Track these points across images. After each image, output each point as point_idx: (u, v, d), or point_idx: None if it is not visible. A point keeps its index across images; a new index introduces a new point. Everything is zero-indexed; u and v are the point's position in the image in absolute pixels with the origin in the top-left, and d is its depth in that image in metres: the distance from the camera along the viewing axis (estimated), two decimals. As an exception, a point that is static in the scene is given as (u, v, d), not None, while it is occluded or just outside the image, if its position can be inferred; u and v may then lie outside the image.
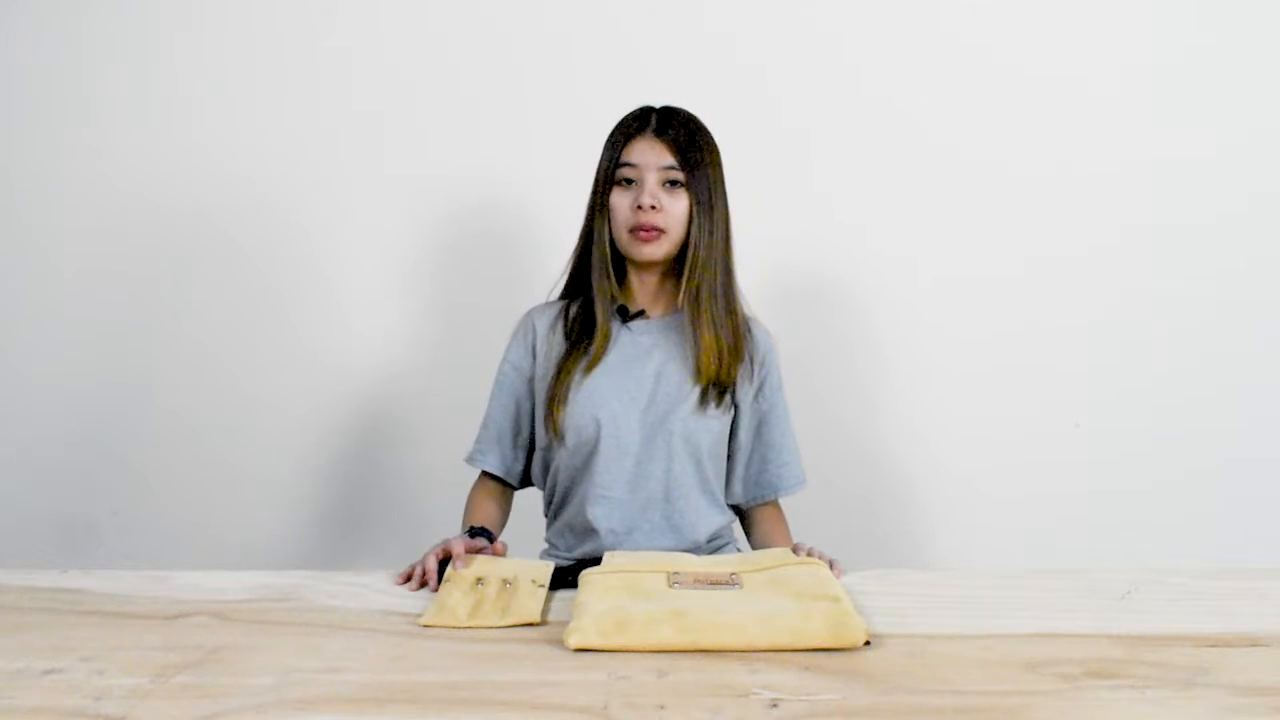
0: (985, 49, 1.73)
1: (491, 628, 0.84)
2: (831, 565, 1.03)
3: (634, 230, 1.16)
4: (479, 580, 0.95)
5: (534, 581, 0.95)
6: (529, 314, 1.29)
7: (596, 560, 1.16)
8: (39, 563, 1.60)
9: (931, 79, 1.73)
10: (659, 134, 1.17)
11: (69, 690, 0.69)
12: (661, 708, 0.65)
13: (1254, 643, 0.77)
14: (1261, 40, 1.73)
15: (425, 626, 0.84)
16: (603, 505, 1.17)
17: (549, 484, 1.25)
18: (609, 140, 1.21)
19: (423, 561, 1.01)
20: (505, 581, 0.95)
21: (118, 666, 0.74)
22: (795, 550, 1.07)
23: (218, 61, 1.75)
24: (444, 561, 1.01)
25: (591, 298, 1.21)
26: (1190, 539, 1.70)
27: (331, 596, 0.93)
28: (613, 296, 1.21)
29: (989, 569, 1.03)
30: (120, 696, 0.67)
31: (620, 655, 0.75)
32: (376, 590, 0.95)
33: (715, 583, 0.89)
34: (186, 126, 1.75)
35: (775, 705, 0.65)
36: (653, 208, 1.15)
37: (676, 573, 0.92)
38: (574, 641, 0.77)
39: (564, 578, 0.98)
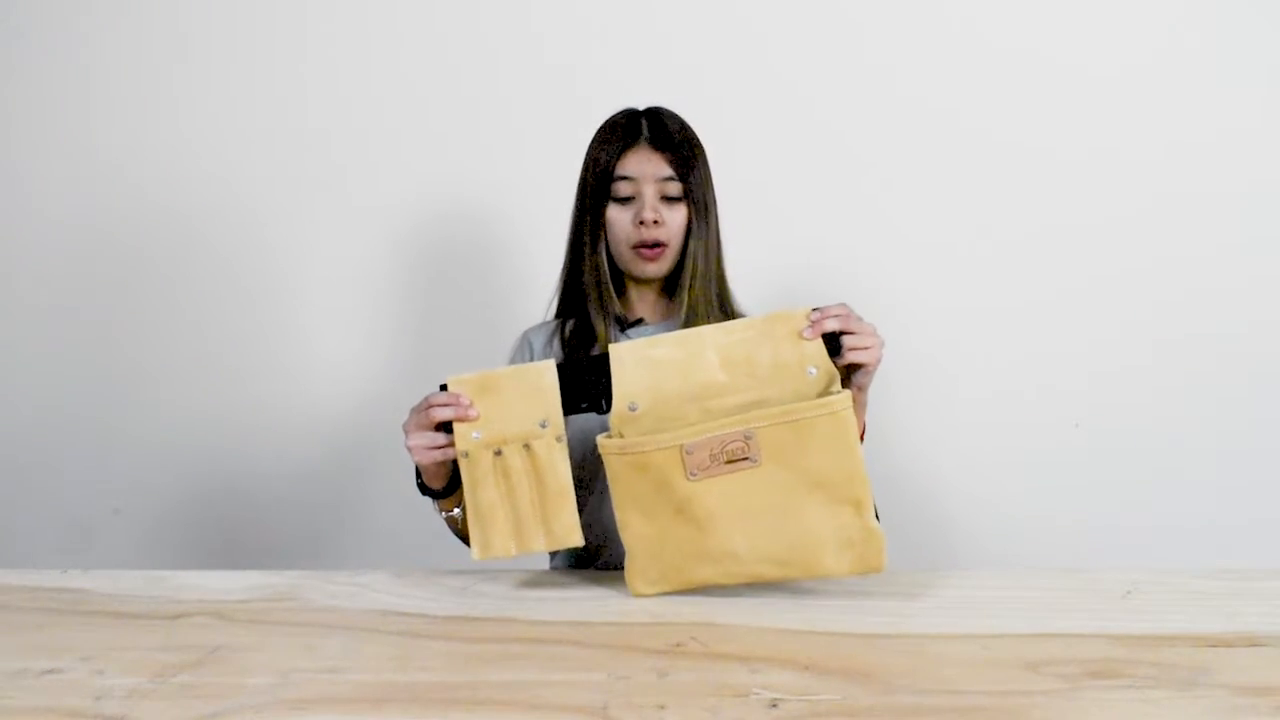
0: (982, 39, 1.73)
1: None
2: (841, 337, 0.92)
3: (636, 246, 1.14)
4: (497, 453, 0.93)
5: (552, 434, 0.93)
6: (525, 334, 1.26)
7: (609, 565, 1.16)
8: (39, 563, 1.61)
9: (924, 78, 1.73)
10: (654, 143, 1.14)
11: (69, 690, 0.69)
12: (661, 708, 0.65)
13: (1254, 643, 0.76)
14: (1268, 26, 1.73)
15: (480, 559, 0.94)
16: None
17: None
18: (597, 149, 1.16)
19: (419, 441, 0.94)
20: (524, 445, 0.93)
21: (118, 666, 0.74)
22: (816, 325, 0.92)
23: (197, 67, 1.76)
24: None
25: (587, 313, 1.18)
26: (1190, 539, 1.70)
27: (331, 596, 0.93)
28: (613, 312, 1.17)
29: (989, 569, 1.03)
30: (120, 696, 0.67)
31: (620, 655, 0.75)
32: (376, 590, 0.95)
33: (732, 459, 0.87)
34: (148, 131, 1.76)
35: (775, 705, 0.65)
36: (655, 222, 1.12)
37: (689, 451, 0.87)
38: (634, 592, 0.91)
39: (572, 386, 0.93)
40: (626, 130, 1.15)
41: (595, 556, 1.18)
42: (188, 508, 1.77)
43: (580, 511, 1.17)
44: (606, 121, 1.18)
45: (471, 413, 0.93)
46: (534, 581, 0.99)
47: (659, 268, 1.16)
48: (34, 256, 1.77)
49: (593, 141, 1.18)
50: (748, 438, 0.87)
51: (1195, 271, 1.73)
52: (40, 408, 1.78)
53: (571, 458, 1.13)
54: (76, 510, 1.78)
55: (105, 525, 1.78)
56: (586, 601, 0.91)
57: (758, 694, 0.67)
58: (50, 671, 0.73)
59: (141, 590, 0.95)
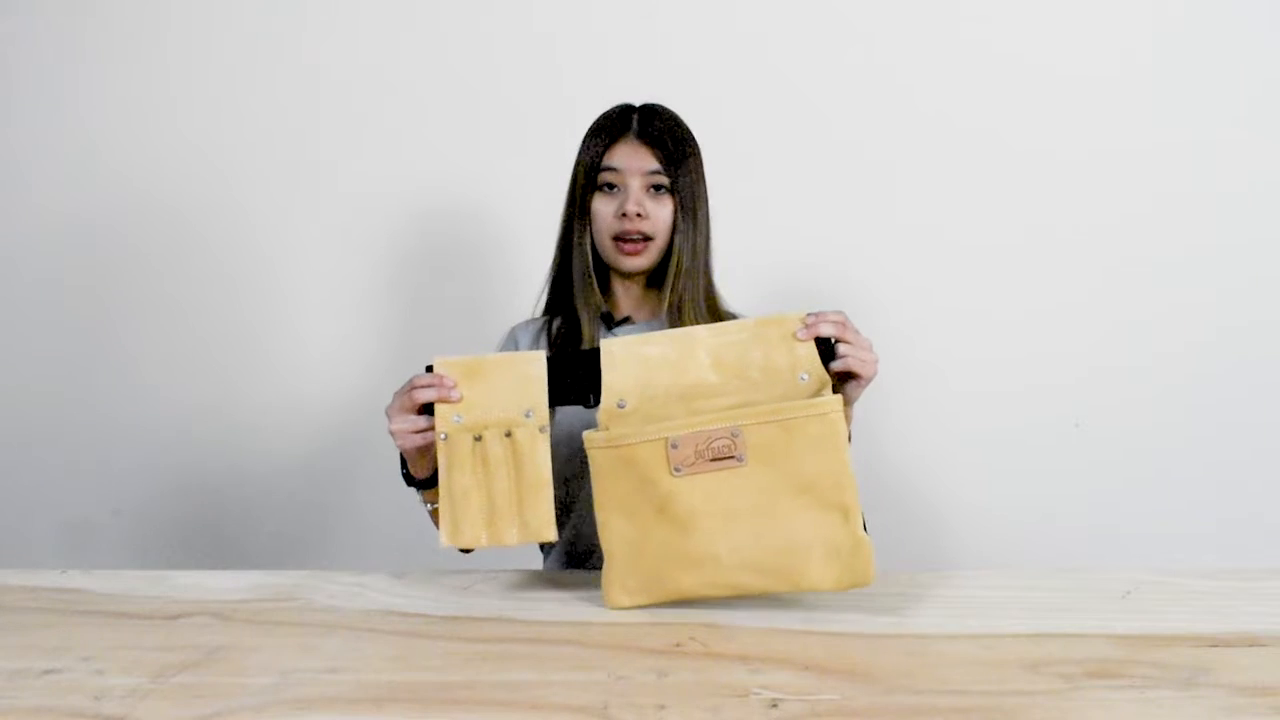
0: (979, 40, 1.73)
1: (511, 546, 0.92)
2: (836, 342, 0.92)
3: (618, 238, 1.13)
4: (477, 438, 0.92)
5: (535, 424, 0.92)
6: (512, 330, 1.26)
7: (600, 567, 1.15)
8: (39, 563, 1.61)
9: (922, 79, 1.73)
10: (642, 137, 1.13)
11: (69, 690, 0.69)
12: (661, 708, 0.65)
13: (1254, 643, 0.77)
14: (1267, 27, 1.73)
15: (455, 548, 0.91)
16: None
17: None
18: (587, 142, 1.16)
19: (401, 424, 0.93)
20: (505, 433, 0.92)
21: (118, 666, 0.74)
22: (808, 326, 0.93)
23: (193, 61, 1.76)
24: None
25: (574, 309, 1.17)
26: (1190, 539, 1.70)
27: (331, 596, 0.93)
28: (597, 305, 1.17)
29: (989, 569, 1.03)
30: (120, 696, 0.67)
31: (619, 655, 0.75)
32: (376, 590, 0.95)
33: (718, 457, 0.86)
34: (145, 128, 1.76)
35: (775, 705, 0.65)
36: (639, 215, 1.11)
37: (674, 445, 0.86)
38: (610, 604, 0.88)
39: (561, 379, 0.93)
40: (616, 124, 1.15)
41: (587, 557, 1.18)
42: (188, 508, 1.77)
43: (570, 512, 1.17)
44: (599, 116, 1.18)
45: (454, 394, 0.92)
46: (533, 582, 0.99)
47: (640, 262, 1.14)
48: (31, 256, 1.77)
49: (584, 136, 1.18)
50: (734, 435, 0.86)
51: (1195, 272, 1.72)
52: (40, 408, 1.78)
53: (560, 457, 1.12)
54: (76, 510, 1.78)
55: (105, 525, 1.78)
56: (586, 601, 0.91)
57: (758, 694, 0.67)
58: (50, 671, 0.73)
59: (141, 590, 0.95)
